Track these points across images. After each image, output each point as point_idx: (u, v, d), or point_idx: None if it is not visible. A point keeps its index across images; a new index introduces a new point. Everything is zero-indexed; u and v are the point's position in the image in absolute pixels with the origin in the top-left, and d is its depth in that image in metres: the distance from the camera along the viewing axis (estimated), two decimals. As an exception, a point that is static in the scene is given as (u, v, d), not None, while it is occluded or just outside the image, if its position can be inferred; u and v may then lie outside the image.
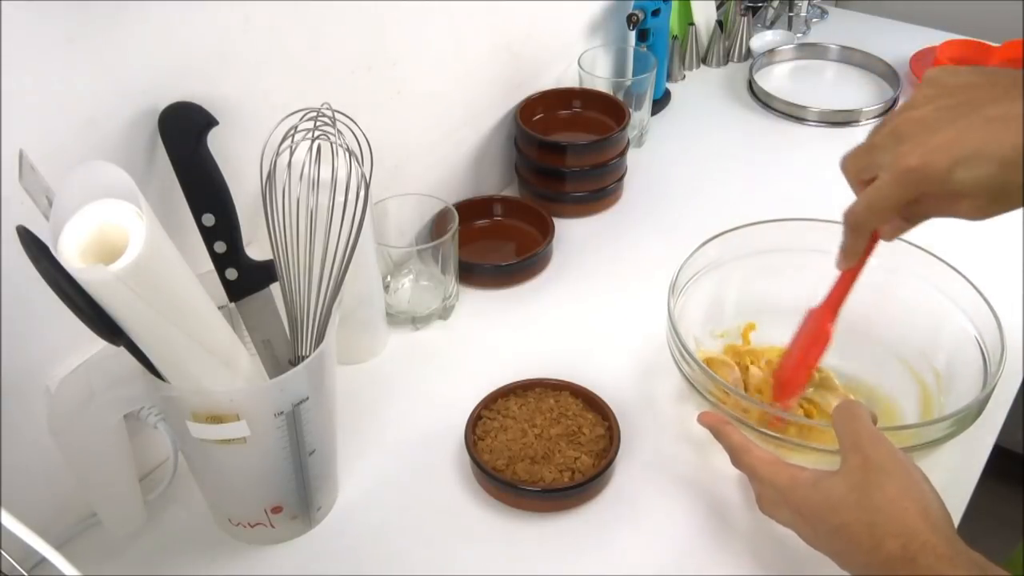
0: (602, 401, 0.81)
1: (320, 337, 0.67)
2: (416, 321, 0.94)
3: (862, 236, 0.68)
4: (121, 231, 0.49)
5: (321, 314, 0.66)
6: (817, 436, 0.73)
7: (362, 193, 0.64)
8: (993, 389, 0.74)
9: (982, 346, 0.79)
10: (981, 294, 0.80)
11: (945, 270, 0.82)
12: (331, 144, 0.64)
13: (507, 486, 0.75)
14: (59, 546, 0.71)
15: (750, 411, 0.75)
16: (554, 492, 0.74)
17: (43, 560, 0.44)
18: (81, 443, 0.62)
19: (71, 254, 0.48)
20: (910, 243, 0.82)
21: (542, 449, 0.77)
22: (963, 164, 0.58)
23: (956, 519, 0.75)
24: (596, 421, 0.80)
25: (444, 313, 0.95)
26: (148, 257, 0.49)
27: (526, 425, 0.79)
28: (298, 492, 0.70)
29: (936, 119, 0.60)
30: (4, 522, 0.42)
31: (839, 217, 0.69)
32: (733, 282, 0.88)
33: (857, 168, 0.66)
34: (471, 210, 1.04)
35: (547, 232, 1.02)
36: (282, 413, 0.64)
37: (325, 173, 0.64)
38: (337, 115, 0.64)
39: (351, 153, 0.64)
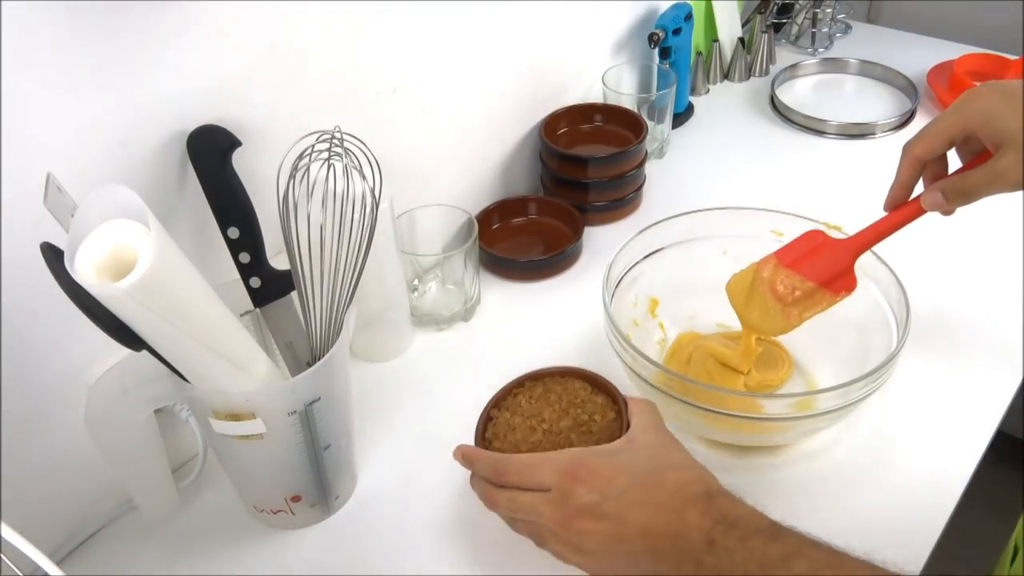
0: (610, 384, 0.73)
1: (332, 344, 0.67)
2: (440, 323, 0.94)
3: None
4: (133, 249, 0.50)
5: (333, 323, 0.67)
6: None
7: (367, 210, 0.64)
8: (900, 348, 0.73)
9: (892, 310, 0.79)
10: (884, 262, 0.79)
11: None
12: (343, 164, 0.64)
13: None
14: (103, 526, 0.74)
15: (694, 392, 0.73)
16: None
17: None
18: (115, 435, 0.64)
19: (86, 271, 0.49)
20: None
21: (551, 446, 0.70)
22: None
23: (955, 499, 0.74)
24: (607, 405, 0.72)
25: (466, 315, 0.95)
26: (155, 273, 0.49)
27: (534, 421, 0.73)
28: (315, 483, 0.71)
29: None
30: (4, 535, 0.43)
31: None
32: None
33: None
34: (508, 208, 1.06)
35: (577, 230, 1.01)
36: (295, 412, 0.64)
37: (335, 192, 0.64)
38: (347, 136, 0.64)
39: (360, 173, 0.64)
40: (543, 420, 0.73)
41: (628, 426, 0.67)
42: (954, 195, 0.70)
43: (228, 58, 0.69)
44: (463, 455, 0.67)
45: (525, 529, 0.64)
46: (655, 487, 0.58)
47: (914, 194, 0.74)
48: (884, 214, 0.75)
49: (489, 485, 0.64)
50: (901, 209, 0.74)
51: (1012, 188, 0.68)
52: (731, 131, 1.26)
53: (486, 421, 0.73)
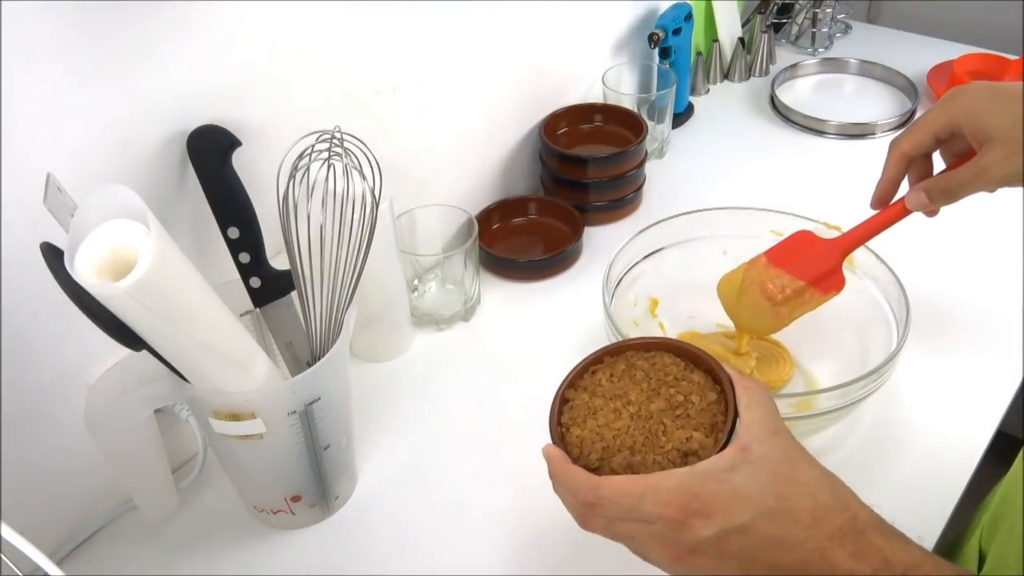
0: (707, 357, 0.59)
1: (332, 344, 0.67)
2: (440, 323, 0.94)
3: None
4: (133, 249, 0.50)
5: (333, 323, 0.67)
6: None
7: (367, 210, 0.64)
8: (900, 348, 0.73)
9: (892, 309, 0.79)
10: (884, 261, 0.80)
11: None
12: (343, 164, 0.64)
13: None
14: (103, 526, 0.74)
15: None
16: None
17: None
18: (114, 435, 0.64)
19: (86, 271, 0.49)
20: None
21: (641, 434, 0.56)
22: None
23: (955, 499, 0.74)
24: (705, 384, 0.58)
25: (466, 315, 0.95)
26: (155, 273, 0.49)
27: (619, 403, 0.58)
28: (315, 483, 0.71)
29: None
30: (4, 535, 0.42)
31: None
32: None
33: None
34: (508, 208, 1.06)
35: (577, 230, 1.01)
36: (295, 412, 0.64)
37: (335, 192, 0.64)
38: (347, 136, 0.64)
39: (360, 173, 0.64)
40: (629, 402, 0.58)
41: (735, 413, 0.55)
42: (938, 194, 0.71)
43: (228, 58, 0.69)
44: (547, 458, 0.56)
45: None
46: (786, 520, 0.49)
47: (899, 194, 0.74)
48: (872, 213, 0.75)
49: (580, 503, 0.53)
50: (886, 210, 0.74)
51: (996, 185, 0.68)
52: (731, 131, 1.25)
53: (561, 404, 0.59)
